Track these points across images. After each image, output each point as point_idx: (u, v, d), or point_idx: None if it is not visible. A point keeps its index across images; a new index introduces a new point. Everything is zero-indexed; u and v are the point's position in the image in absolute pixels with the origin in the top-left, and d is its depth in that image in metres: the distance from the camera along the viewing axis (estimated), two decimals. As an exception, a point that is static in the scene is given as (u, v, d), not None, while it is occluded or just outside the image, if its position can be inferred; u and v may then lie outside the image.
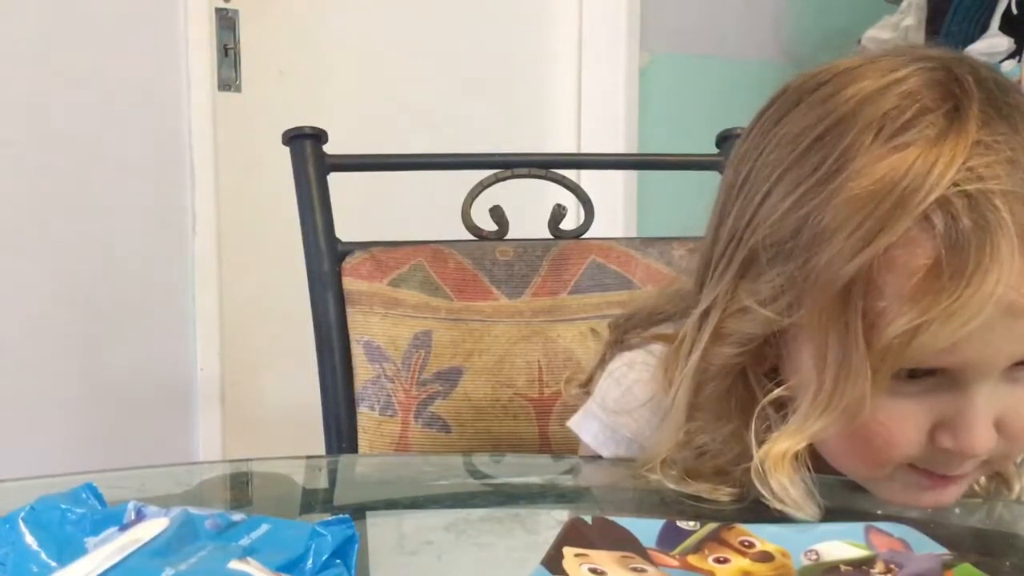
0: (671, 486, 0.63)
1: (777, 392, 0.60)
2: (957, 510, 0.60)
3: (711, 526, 0.53)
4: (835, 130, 0.56)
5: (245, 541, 0.47)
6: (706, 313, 0.62)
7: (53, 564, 0.44)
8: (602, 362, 0.76)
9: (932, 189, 0.52)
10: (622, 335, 0.76)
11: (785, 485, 0.57)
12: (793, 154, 0.58)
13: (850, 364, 0.54)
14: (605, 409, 0.73)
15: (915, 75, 0.56)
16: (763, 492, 0.58)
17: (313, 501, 0.69)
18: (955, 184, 0.52)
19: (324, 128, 1.05)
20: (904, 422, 0.57)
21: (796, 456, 0.58)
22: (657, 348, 0.71)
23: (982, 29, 2.08)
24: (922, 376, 0.56)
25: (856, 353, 0.54)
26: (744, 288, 0.60)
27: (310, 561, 0.46)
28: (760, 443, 0.59)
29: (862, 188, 0.53)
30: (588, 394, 0.76)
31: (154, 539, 0.45)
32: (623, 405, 0.72)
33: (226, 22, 2.08)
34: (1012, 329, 0.53)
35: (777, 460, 0.58)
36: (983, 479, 0.64)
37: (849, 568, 0.49)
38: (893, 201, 0.52)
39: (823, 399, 0.56)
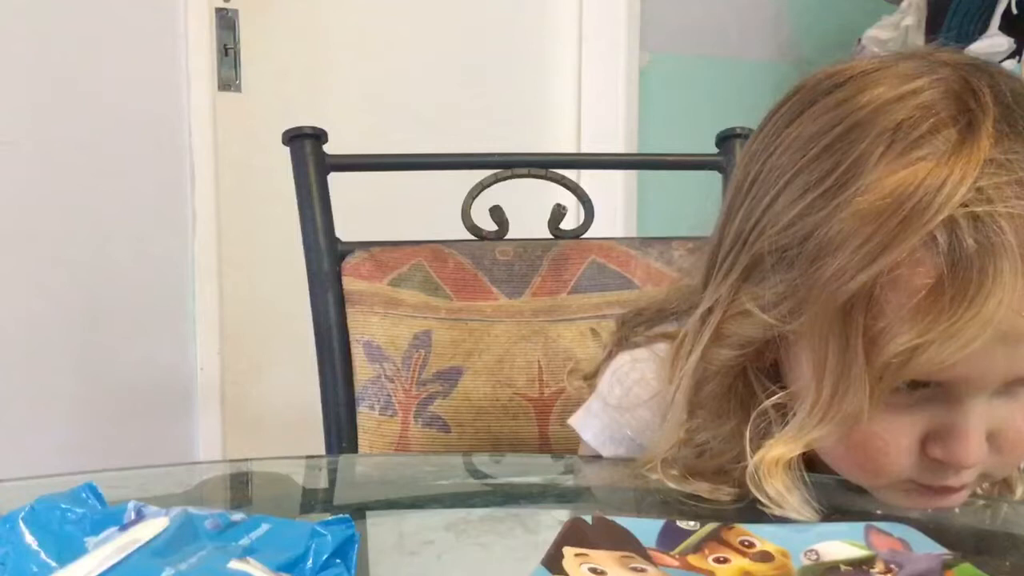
0: (671, 485, 0.63)
1: (776, 399, 0.60)
2: (957, 510, 0.60)
3: (711, 526, 0.53)
4: (847, 137, 0.55)
5: (245, 541, 0.47)
6: (708, 312, 0.62)
7: (53, 564, 0.44)
8: (608, 357, 0.76)
9: (940, 209, 0.51)
10: (630, 331, 0.76)
11: (781, 491, 0.58)
12: (803, 159, 0.57)
13: (849, 377, 0.54)
14: (607, 406, 0.73)
15: (932, 86, 0.55)
16: (759, 497, 0.58)
17: (313, 501, 0.69)
18: (963, 205, 0.51)
19: (324, 128, 1.05)
20: (898, 433, 0.57)
21: (789, 463, 0.58)
22: (661, 347, 0.71)
23: (982, 29, 2.08)
24: (918, 388, 0.56)
25: (855, 367, 0.54)
26: (746, 291, 0.60)
27: (310, 561, 0.46)
28: (756, 447, 0.59)
29: (870, 203, 0.52)
30: (592, 388, 0.76)
31: (154, 539, 0.45)
32: (625, 403, 0.72)
33: (226, 22, 2.08)
34: (1011, 351, 0.53)
35: (771, 466, 0.58)
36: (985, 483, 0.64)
37: (849, 568, 0.49)
38: (901, 219, 0.52)
39: (820, 410, 0.56)
